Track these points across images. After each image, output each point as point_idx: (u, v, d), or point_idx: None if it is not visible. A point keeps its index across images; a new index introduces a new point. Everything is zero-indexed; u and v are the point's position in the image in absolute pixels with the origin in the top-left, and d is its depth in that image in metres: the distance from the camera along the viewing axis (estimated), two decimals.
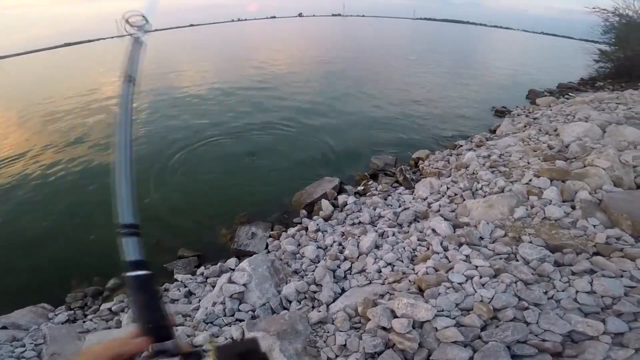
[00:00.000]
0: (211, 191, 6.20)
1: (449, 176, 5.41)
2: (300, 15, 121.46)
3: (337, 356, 2.27)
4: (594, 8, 15.63)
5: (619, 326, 1.95)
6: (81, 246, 4.89)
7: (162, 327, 0.54)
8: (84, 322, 3.47)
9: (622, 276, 2.37)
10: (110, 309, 3.60)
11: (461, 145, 7.14)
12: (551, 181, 4.04)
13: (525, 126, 7.64)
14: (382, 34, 47.33)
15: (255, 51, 27.66)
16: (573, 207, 3.53)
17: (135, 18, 0.82)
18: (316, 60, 21.19)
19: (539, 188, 3.96)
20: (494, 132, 8.33)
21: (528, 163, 4.88)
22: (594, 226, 3.12)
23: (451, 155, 6.52)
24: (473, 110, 11.29)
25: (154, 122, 9.93)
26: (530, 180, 4.19)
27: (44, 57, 43.01)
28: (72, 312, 3.74)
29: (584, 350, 1.87)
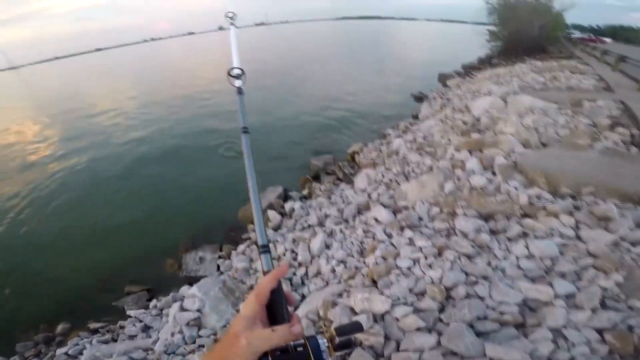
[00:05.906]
0: (145, 222, 5.52)
1: (383, 164, 5.39)
2: (220, 28, 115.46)
3: None
4: None
5: (566, 287, 1.89)
6: (16, 297, 4.33)
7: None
8: None
9: (552, 235, 2.39)
10: (67, 354, 3.27)
11: (390, 134, 7.23)
12: (470, 152, 4.12)
13: (441, 107, 7.99)
14: (307, 38, 47.30)
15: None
16: (494, 173, 3.59)
17: (236, 71, 0.81)
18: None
19: (461, 160, 4.00)
20: (416, 117, 8.63)
21: (449, 140, 5.00)
22: (515, 188, 3.17)
23: (382, 145, 6.56)
24: (395, 99, 11.70)
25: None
26: (452, 155, 4.26)
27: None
28: None
29: (544, 317, 1.77)
